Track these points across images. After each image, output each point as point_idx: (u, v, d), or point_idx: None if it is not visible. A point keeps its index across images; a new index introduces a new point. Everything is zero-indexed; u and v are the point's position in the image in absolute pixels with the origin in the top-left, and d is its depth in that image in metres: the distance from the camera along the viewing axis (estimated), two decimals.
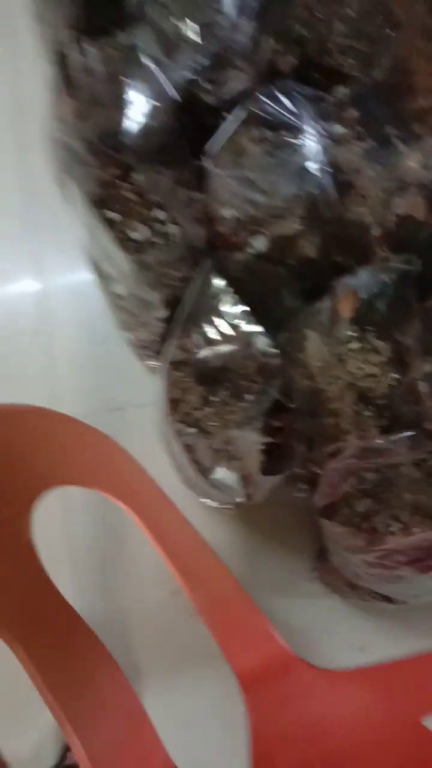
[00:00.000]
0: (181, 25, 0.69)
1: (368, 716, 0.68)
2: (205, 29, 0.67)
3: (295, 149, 0.60)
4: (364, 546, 0.53)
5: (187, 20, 0.70)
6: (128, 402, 0.90)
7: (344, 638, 0.79)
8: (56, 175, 0.68)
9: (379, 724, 0.67)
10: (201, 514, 0.79)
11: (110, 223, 0.59)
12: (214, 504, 0.72)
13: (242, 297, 0.59)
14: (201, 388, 0.57)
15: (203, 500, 0.73)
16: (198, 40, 0.67)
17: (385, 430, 0.52)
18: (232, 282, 0.59)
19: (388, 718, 0.67)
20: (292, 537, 0.82)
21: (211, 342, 0.58)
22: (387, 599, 0.68)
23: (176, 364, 0.59)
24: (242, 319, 0.57)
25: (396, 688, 0.70)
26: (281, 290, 0.60)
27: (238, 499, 0.60)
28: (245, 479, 0.57)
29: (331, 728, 0.67)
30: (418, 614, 0.78)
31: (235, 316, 0.57)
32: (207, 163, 0.61)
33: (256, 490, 0.58)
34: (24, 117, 1.07)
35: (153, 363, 0.75)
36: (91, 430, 0.65)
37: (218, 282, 0.57)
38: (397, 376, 0.54)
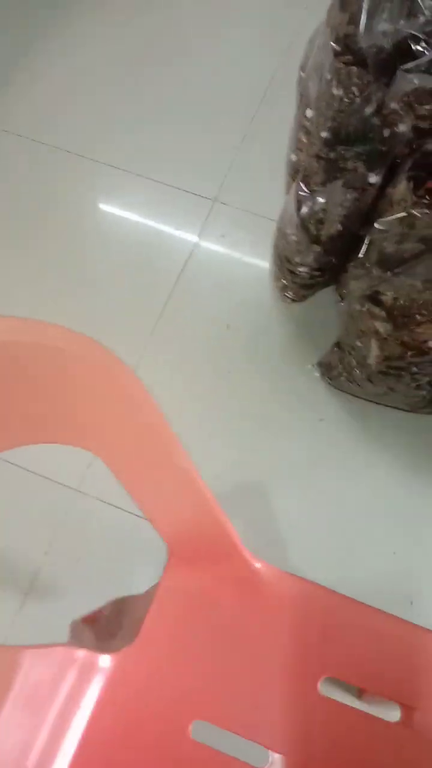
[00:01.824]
0: None
1: (272, 626, 0.67)
2: None
3: None
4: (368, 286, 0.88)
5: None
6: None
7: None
8: None
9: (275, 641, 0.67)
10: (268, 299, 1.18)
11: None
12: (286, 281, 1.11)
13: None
14: (324, 175, 0.95)
15: (281, 277, 1.12)
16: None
17: None
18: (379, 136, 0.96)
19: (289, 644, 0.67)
20: (317, 337, 1.19)
21: (344, 161, 0.96)
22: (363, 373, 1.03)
23: (317, 157, 0.97)
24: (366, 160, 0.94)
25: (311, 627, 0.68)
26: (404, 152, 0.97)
27: (309, 256, 0.97)
28: (322, 236, 0.94)
29: (231, 616, 0.67)
30: (374, 417, 1.13)
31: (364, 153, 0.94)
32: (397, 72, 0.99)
33: (325, 244, 0.94)
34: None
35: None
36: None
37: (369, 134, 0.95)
38: None
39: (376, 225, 0.95)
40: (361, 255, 0.97)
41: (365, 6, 1.09)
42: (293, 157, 1.18)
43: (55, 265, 1.28)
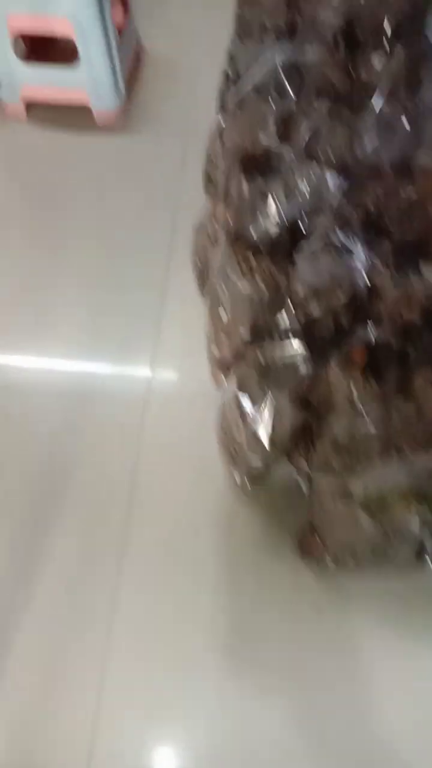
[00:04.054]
0: (299, 182, 1.14)
1: None
2: (312, 191, 1.13)
3: (349, 264, 1.02)
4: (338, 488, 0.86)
5: (300, 181, 1.15)
6: None
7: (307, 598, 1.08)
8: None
9: None
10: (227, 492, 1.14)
11: (234, 274, 1.01)
12: (240, 476, 1.07)
13: (301, 332, 0.98)
14: (259, 377, 0.95)
15: (234, 472, 1.08)
16: (307, 196, 1.12)
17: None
18: (295, 326, 0.98)
19: None
20: (285, 519, 1.14)
21: (272, 356, 0.96)
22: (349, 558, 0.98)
23: (247, 361, 0.97)
24: (297, 348, 0.95)
25: None
26: (324, 336, 0.99)
27: (263, 460, 0.95)
28: (275, 438, 0.92)
29: None
30: (371, 594, 1.08)
31: (291, 345, 0.96)
32: (295, 257, 1.03)
33: (279, 446, 0.92)
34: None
35: (222, 377, 1.14)
36: None
37: (287, 325, 0.97)
38: (382, 410, 0.91)
39: (328, 420, 0.94)
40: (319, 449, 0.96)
41: (248, 197, 1.14)
42: (216, 353, 1.18)
43: None
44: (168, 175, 1.62)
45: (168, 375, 1.37)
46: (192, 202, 1.55)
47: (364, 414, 0.94)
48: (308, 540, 1.06)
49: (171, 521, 1.17)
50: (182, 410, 1.30)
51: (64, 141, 1.67)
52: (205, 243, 1.19)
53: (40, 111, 1.67)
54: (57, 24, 1.34)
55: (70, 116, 1.68)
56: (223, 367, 1.17)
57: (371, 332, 0.98)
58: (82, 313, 1.45)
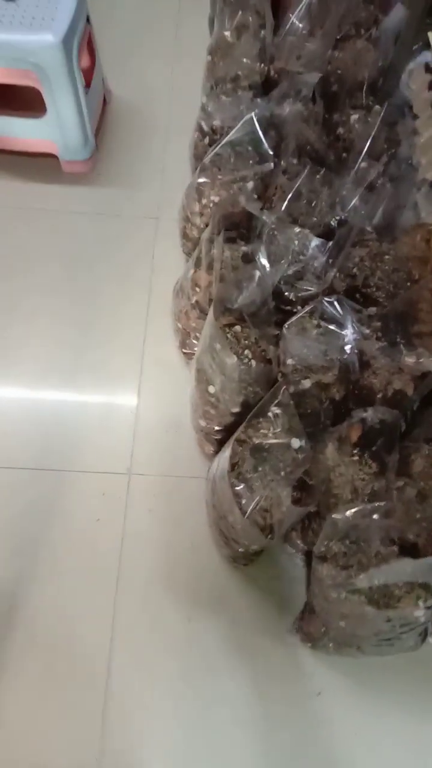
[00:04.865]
0: (282, 247, 1.11)
1: None
2: (296, 256, 1.09)
3: (338, 336, 0.98)
4: (342, 581, 0.82)
5: (283, 246, 1.12)
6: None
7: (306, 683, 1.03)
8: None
9: None
10: (218, 568, 1.08)
11: (221, 348, 0.97)
12: (234, 553, 1.01)
13: (292, 411, 0.94)
14: (253, 460, 0.90)
15: (225, 552, 1.03)
16: (291, 262, 1.09)
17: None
18: (287, 401, 0.94)
19: None
20: (281, 597, 1.09)
21: (265, 435, 0.92)
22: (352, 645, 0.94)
23: (239, 442, 0.93)
24: (288, 427, 0.91)
25: None
26: (317, 412, 0.95)
27: (259, 544, 0.90)
28: (272, 524, 0.88)
29: None
30: (371, 669, 1.04)
31: (283, 423, 0.91)
32: (284, 330, 0.99)
33: (276, 533, 0.88)
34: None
35: (211, 448, 1.09)
36: None
37: (278, 400, 0.93)
38: (378, 483, 0.87)
39: (331, 516, 0.89)
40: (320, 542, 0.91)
41: (231, 265, 1.10)
42: (203, 423, 1.13)
43: None
44: (141, 226, 1.56)
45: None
46: (167, 254, 1.50)
47: (363, 497, 0.90)
48: (308, 623, 1.02)
49: (160, 599, 1.10)
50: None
51: (31, 191, 1.60)
52: (186, 308, 1.15)
53: (4, 159, 1.60)
54: (23, 76, 1.28)
55: (36, 165, 1.61)
56: (210, 438, 1.12)
57: (365, 408, 0.95)
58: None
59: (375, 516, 0.82)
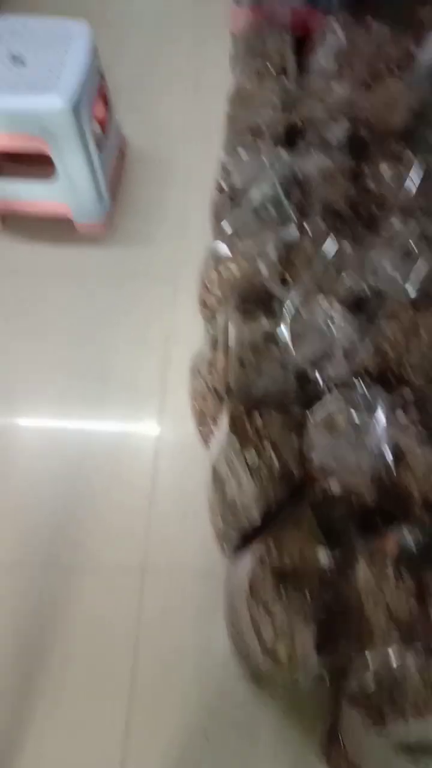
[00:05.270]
0: (306, 322, 1.01)
1: None
2: (322, 333, 0.99)
3: (369, 429, 0.87)
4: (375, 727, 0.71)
5: (308, 322, 1.02)
6: None
7: None
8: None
9: None
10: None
11: (239, 446, 0.87)
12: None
13: (317, 518, 0.84)
14: (275, 583, 0.80)
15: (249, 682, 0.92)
16: (317, 339, 0.99)
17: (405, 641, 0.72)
18: (311, 506, 0.84)
19: None
20: (307, 722, 0.98)
21: (289, 550, 0.82)
22: None
23: (260, 562, 0.82)
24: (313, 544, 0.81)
25: None
26: (345, 519, 0.84)
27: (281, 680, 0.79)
28: (292, 658, 0.77)
29: None
30: None
31: (308, 540, 0.81)
32: (310, 423, 0.89)
33: (302, 672, 0.77)
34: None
35: (225, 547, 0.99)
36: None
37: (300, 510, 0.83)
38: (417, 605, 0.76)
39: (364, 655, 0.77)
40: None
41: (250, 346, 1.01)
42: (221, 526, 1.03)
43: None
44: (159, 291, 1.47)
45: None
46: (186, 322, 1.41)
47: (401, 626, 0.79)
48: (335, 749, 0.91)
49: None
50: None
51: (44, 254, 1.53)
52: (203, 390, 1.06)
53: (18, 222, 1.54)
54: (33, 142, 1.22)
55: (50, 227, 1.55)
56: (227, 541, 1.02)
57: (404, 524, 0.84)
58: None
59: (414, 656, 0.71)
